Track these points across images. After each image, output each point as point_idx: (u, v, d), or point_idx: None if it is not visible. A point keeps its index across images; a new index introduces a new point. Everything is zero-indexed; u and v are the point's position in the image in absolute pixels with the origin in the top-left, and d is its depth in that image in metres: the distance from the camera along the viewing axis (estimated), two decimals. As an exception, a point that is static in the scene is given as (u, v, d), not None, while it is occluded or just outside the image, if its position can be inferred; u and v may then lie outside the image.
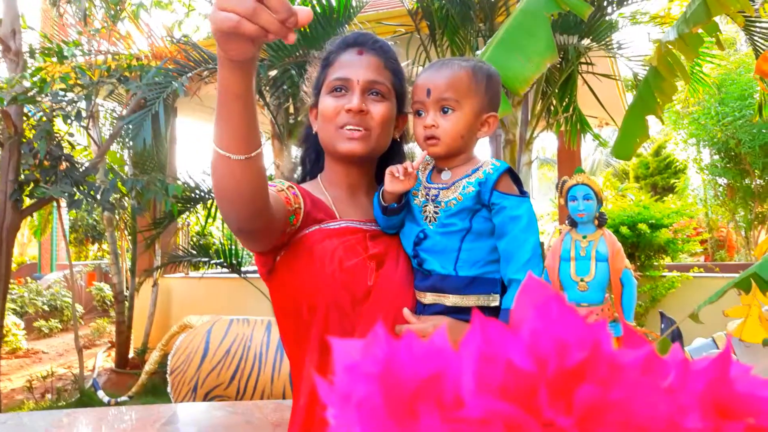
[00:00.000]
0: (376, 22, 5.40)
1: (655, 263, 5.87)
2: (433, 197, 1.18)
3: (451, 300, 1.15)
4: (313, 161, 1.39)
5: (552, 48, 1.97)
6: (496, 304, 1.15)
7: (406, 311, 1.17)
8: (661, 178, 14.19)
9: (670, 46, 2.94)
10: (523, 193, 1.16)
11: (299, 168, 1.43)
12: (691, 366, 0.28)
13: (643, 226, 5.46)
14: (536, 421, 0.25)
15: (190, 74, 4.53)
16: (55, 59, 4.79)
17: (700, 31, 3.01)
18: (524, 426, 0.25)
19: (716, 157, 9.96)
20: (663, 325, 2.71)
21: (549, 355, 0.26)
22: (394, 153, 1.35)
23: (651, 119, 3.13)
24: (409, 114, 1.27)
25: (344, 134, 1.22)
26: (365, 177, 1.32)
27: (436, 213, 1.17)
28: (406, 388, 0.26)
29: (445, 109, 1.15)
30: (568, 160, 8.25)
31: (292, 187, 1.21)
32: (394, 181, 1.15)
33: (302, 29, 4.65)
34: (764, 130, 8.72)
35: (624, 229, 5.50)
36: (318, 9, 4.79)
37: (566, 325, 0.27)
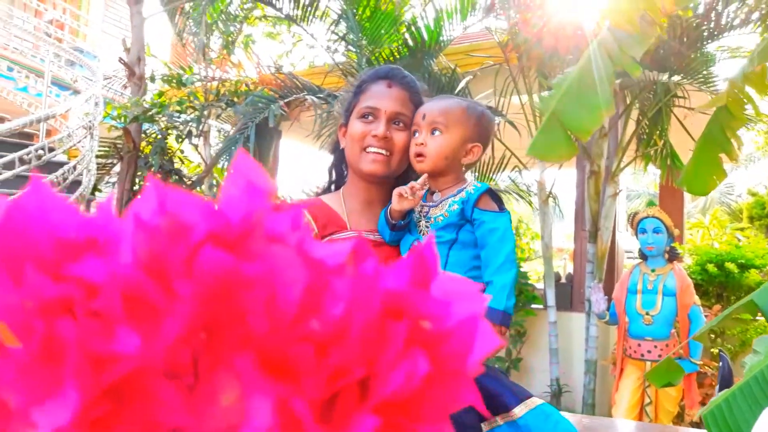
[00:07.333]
0: (465, 54, 5.59)
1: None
2: (425, 214, 1.38)
3: None
4: (339, 174, 1.58)
5: (610, 103, 2.16)
6: None
7: None
8: (777, 219, 13.30)
9: (741, 84, 2.94)
10: (502, 210, 1.33)
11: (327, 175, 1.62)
12: (390, 264, 0.27)
13: (731, 266, 5.24)
14: (161, 288, 0.23)
15: (286, 100, 4.92)
16: (174, 84, 5.39)
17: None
18: (148, 293, 0.23)
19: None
20: (721, 363, 2.70)
21: (196, 224, 0.24)
22: (408, 174, 1.52)
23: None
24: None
25: (368, 156, 1.41)
26: (382, 193, 1.49)
27: (427, 227, 1.37)
28: (29, 247, 0.24)
29: (435, 131, 1.35)
30: (670, 196, 7.98)
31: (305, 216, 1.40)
32: (401, 200, 1.34)
33: (392, 60, 4.95)
34: None
35: (711, 267, 5.31)
36: (410, 42, 5.07)
37: (247, 199, 0.25)
